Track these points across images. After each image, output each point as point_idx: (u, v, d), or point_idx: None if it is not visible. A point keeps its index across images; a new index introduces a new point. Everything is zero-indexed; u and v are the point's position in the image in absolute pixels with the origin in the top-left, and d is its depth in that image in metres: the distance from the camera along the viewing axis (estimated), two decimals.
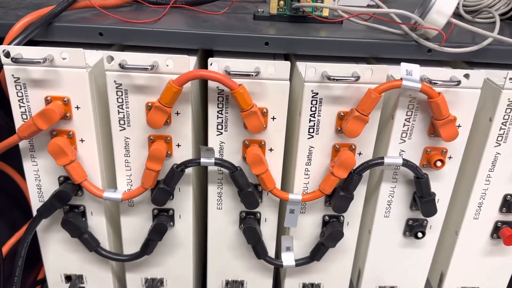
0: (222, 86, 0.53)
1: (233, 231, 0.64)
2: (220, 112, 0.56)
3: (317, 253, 0.64)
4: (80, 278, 0.68)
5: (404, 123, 0.57)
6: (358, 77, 0.53)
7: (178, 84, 0.51)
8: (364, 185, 0.61)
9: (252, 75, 0.52)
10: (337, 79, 0.52)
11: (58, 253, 0.66)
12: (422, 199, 0.59)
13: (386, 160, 0.57)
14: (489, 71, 0.59)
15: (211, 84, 0.54)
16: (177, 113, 0.56)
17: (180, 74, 0.51)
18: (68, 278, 0.68)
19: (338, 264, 0.67)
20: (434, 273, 0.72)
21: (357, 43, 0.60)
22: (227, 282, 0.69)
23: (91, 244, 0.62)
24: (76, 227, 0.60)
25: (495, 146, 0.59)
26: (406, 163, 0.57)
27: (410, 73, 0.53)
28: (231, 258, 0.66)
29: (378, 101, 0.53)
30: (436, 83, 0.53)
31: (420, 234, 0.63)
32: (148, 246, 0.62)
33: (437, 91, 0.53)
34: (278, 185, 0.60)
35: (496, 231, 0.65)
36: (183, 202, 0.62)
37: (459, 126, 0.57)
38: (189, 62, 0.53)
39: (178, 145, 0.58)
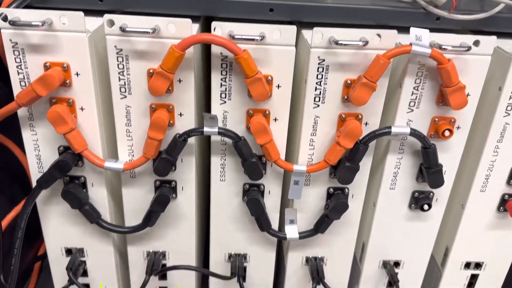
0: (226, 52, 0.52)
1: (236, 203, 0.63)
2: (223, 79, 0.55)
3: (321, 225, 0.63)
4: (81, 251, 0.67)
5: (413, 92, 0.55)
6: (367, 42, 0.51)
7: (180, 48, 0.50)
8: (370, 156, 0.60)
9: (257, 39, 0.51)
10: (345, 44, 0.51)
11: (58, 226, 0.65)
12: (429, 170, 0.58)
13: (393, 130, 0.56)
14: (500, 40, 0.58)
15: (215, 49, 0.53)
16: (180, 81, 0.54)
17: (182, 38, 0.50)
18: (68, 251, 0.67)
19: (342, 237, 0.67)
20: (439, 249, 0.71)
21: (364, 10, 0.58)
22: (230, 255, 0.68)
23: (92, 215, 0.61)
24: (77, 198, 0.59)
25: (504, 116, 0.57)
26: (414, 133, 0.56)
27: (420, 38, 0.51)
28: (234, 231, 0.66)
29: (387, 67, 0.51)
30: (446, 49, 0.52)
31: (426, 206, 0.62)
32: (150, 218, 0.61)
33: (447, 58, 0.52)
34: (283, 156, 0.59)
35: (503, 204, 0.64)
36: (186, 174, 0.61)
37: (468, 95, 0.55)
38: (191, 26, 0.51)
39: (181, 114, 0.56)
